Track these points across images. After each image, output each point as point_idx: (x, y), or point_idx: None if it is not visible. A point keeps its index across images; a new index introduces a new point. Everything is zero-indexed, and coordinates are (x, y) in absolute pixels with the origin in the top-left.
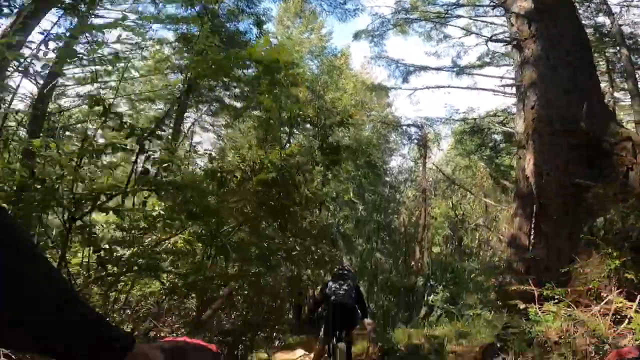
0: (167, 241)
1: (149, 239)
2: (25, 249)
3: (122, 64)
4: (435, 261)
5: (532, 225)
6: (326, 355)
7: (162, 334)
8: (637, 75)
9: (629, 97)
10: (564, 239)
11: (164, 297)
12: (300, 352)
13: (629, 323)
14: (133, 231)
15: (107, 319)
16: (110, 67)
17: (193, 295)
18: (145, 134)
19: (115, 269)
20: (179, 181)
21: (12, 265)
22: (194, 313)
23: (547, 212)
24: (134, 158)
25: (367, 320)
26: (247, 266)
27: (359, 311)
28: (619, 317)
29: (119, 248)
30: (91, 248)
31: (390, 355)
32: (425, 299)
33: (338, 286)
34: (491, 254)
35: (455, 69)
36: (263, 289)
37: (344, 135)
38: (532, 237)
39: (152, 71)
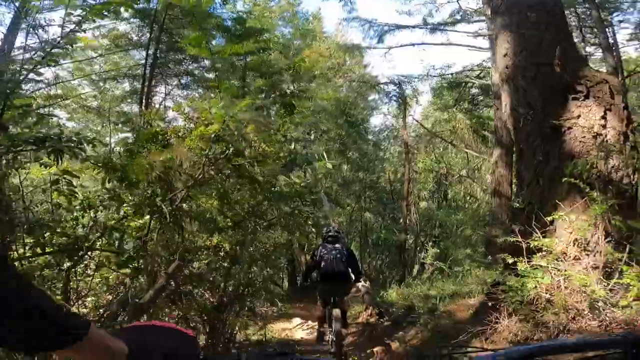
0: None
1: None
2: None
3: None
4: (423, 216)
5: (514, 173)
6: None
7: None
8: (607, 31)
9: (600, 51)
10: (546, 185)
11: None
12: (297, 320)
13: (620, 276)
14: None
15: (61, 307)
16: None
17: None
18: None
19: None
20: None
21: None
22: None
23: (527, 158)
24: None
25: (361, 283)
26: (215, 236)
27: (352, 275)
28: (609, 270)
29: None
30: None
31: (386, 317)
32: (416, 256)
33: (327, 251)
34: (477, 206)
35: (428, 27)
36: (239, 260)
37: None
38: (513, 185)
39: (111, 49)
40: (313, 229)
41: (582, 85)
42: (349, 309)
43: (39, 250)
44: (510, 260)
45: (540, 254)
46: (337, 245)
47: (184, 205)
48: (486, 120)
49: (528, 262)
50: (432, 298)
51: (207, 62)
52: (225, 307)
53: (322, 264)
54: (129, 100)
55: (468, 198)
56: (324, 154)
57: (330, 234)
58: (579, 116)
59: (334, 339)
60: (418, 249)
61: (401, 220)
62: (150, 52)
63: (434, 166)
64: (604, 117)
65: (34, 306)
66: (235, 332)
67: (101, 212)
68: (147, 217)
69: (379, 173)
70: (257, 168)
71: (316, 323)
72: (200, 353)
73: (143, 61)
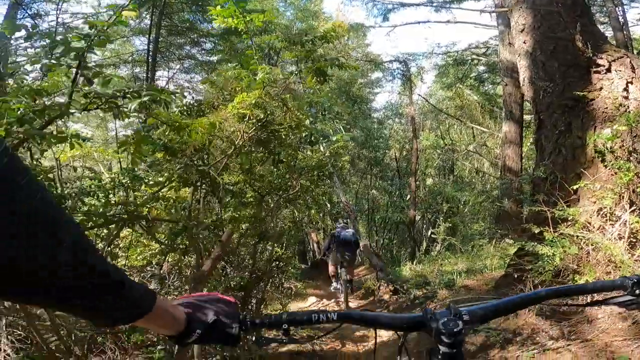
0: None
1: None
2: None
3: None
4: (430, 193)
5: (535, 145)
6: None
7: (170, 297)
8: (617, 10)
9: (610, 29)
10: (569, 154)
11: (163, 257)
12: (312, 299)
13: None
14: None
15: (129, 277)
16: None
17: (192, 250)
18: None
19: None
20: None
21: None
22: (195, 270)
23: (547, 128)
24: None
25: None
26: (244, 210)
27: (360, 248)
28: (633, 240)
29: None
30: None
31: (400, 294)
32: (424, 233)
33: (343, 233)
34: (485, 180)
35: (434, 4)
36: (266, 235)
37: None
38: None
39: (111, 36)
40: (328, 205)
41: (603, 59)
42: (363, 284)
43: (93, 220)
44: (536, 230)
45: (565, 224)
46: (349, 230)
47: (224, 175)
48: (493, 96)
49: (553, 232)
50: (446, 274)
51: (208, 45)
52: (254, 283)
53: (339, 239)
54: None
55: (475, 173)
56: (341, 127)
57: (344, 222)
58: (601, 88)
59: (342, 286)
60: (426, 225)
61: (408, 197)
62: (152, 36)
63: (439, 143)
64: (626, 89)
65: (120, 280)
66: (261, 308)
67: (146, 184)
68: (190, 189)
69: (383, 150)
70: (292, 135)
71: (331, 301)
72: (240, 314)
73: (143, 47)
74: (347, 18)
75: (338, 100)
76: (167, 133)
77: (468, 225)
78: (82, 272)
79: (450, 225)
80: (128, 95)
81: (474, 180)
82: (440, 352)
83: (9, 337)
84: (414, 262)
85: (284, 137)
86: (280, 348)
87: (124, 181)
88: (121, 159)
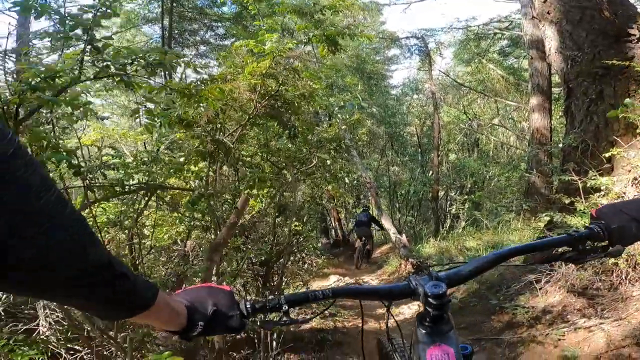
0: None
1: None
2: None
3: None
4: (454, 168)
5: (565, 114)
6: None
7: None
8: None
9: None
10: (601, 122)
11: (187, 234)
12: (334, 277)
13: None
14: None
15: (130, 269)
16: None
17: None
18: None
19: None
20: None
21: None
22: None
23: (577, 97)
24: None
25: (399, 237)
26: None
27: (373, 227)
28: None
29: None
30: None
31: (423, 271)
32: (448, 209)
33: (361, 215)
34: (511, 154)
35: None
36: (285, 209)
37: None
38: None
39: (124, 26)
40: (347, 179)
41: (634, 29)
42: (387, 263)
43: (113, 190)
44: (567, 201)
45: (597, 194)
46: (365, 213)
47: (240, 147)
48: (518, 70)
49: (585, 202)
50: (471, 250)
51: (221, 30)
52: (275, 259)
53: (358, 220)
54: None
55: (501, 146)
56: (358, 95)
57: (364, 208)
58: (632, 57)
59: (358, 253)
60: (450, 201)
61: (431, 173)
62: (166, 23)
63: (462, 117)
64: None
65: (123, 273)
66: (282, 286)
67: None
68: (206, 161)
69: (403, 126)
70: (305, 104)
71: (351, 280)
72: (238, 302)
73: (156, 35)
74: None
75: (350, 76)
76: (180, 104)
77: (494, 199)
78: (86, 265)
79: (475, 200)
80: (135, 62)
81: (499, 154)
82: (431, 314)
83: (47, 318)
84: (437, 239)
85: (297, 105)
86: (302, 326)
87: (145, 160)
88: (146, 142)
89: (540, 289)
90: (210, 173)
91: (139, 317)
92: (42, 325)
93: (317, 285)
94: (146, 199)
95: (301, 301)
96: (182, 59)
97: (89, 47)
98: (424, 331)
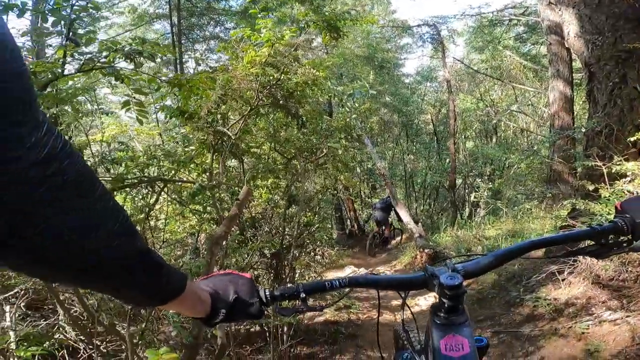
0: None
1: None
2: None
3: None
4: (471, 155)
5: (587, 98)
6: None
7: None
8: None
9: None
10: (625, 106)
11: (199, 227)
12: (349, 269)
13: None
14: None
15: (163, 258)
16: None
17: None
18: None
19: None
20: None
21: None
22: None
23: (599, 81)
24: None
25: (415, 226)
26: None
27: (390, 216)
28: None
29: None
30: None
31: (440, 261)
32: (467, 197)
33: (379, 203)
34: (531, 140)
35: None
36: (295, 200)
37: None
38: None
39: (135, 24)
40: (358, 169)
41: None
42: (403, 253)
43: (113, 183)
44: (591, 187)
45: (623, 180)
46: (384, 199)
47: (245, 137)
48: (536, 56)
49: (610, 188)
50: (490, 239)
51: (231, 24)
52: (286, 251)
53: (375, 207)
54: (164, 70)
55: (520, 133)
56: (365, 83)
57: (383, 198)
58: None
59: (374, 237)
60: (468, 189)
61: (448, 161)
62: (175, 20)
63: (478, 105)
64: None
65: (158, 262)
66: (296, 277)
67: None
68: (210, 153)
69: (417, 115)
70: (309, 93)
71: (367, 271)
72: (258, 289)
73: (167, 32)
74: None
75: (361, 65)
76: (181, 96)
77: (514, 187)
78: (130, 253)
79: (494, 188)
80: (112, 52)
81: (519, 141)
82: (446, 305)
83: (66, 314)
84: (455, 228)
85: (300, 94)
86: (317, 317)
87: (156, 154)
88: (162, 139)
89: (563, 280)
90: (215, 165)
91: (168, 304)
92: (61, 319)
93: (332, 276)
94: (156, 193)
95: (318, 289)
96: (195, 54)
97: (67, 41)
98: (438, 322)
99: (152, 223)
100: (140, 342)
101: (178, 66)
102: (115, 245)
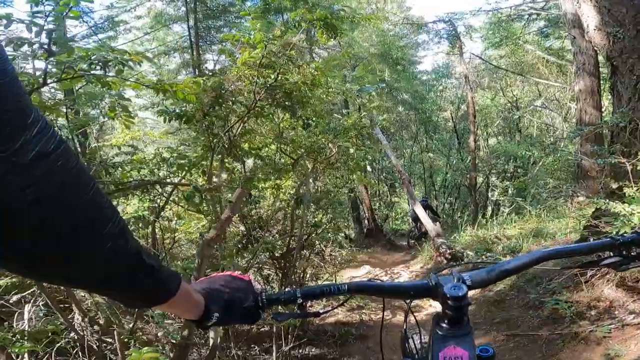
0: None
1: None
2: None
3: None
4: (493, 152)
5: (611, 92)
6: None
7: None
8: None
9: None
10: None
11: (208, 228)
12: (365, 269)
13: None
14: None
15: (158, 258)
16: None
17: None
18: None
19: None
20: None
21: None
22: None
23: (623, 74)
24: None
25: (433, 225)
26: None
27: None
28: None
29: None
30: None
31: (459, 261)
32: (489, 195)
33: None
34: (557, 137)
35: None
36: (303, 200)
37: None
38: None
39: (154, 26)
40: (369, 168)
41: None
42: (422, 251)
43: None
44: (615, 186)
45: None
46: (424, 204)
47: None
48: (559, 51)
49: (635, 187)
50: (511, 239)
51: (247, 25)
52: (294, 251)
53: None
54: (184, 72)
55: (545, 129)
56: (369, 79)
57: (423, 198)
58: None
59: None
60: (490, 187)
61: (469, 159)
62: (191, 22)
63: (499, 101)
64: None
65: (151, 263)
66: (306, 278)
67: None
68: (209, 155)
69: (436, 112)
70: (309, 92)
71: (382, 271)
72: (255, 292)
73: (186, 34)
74: None
75: (374, 62)
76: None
77: (538, 185)
78: (122, 254)
79: (518, 186)
80: (84, 61)
81: (543, 137)
82: (449, 316)
83: (80, 314)
84: (476, 227)
85: (299, 93)
86: (328, 318)
87: (165, 156)
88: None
89: (585, 282)
90: (215, 166)
91: (164, 305)
92: (76, 319)
93: (348, 275)
94: (165, 196)
95: (316, 295)
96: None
97: (41, 50)
98: (440, 332)
99: (165, 223)
100: (129, 341)
101: (196, 69)
102: (108, 246)
